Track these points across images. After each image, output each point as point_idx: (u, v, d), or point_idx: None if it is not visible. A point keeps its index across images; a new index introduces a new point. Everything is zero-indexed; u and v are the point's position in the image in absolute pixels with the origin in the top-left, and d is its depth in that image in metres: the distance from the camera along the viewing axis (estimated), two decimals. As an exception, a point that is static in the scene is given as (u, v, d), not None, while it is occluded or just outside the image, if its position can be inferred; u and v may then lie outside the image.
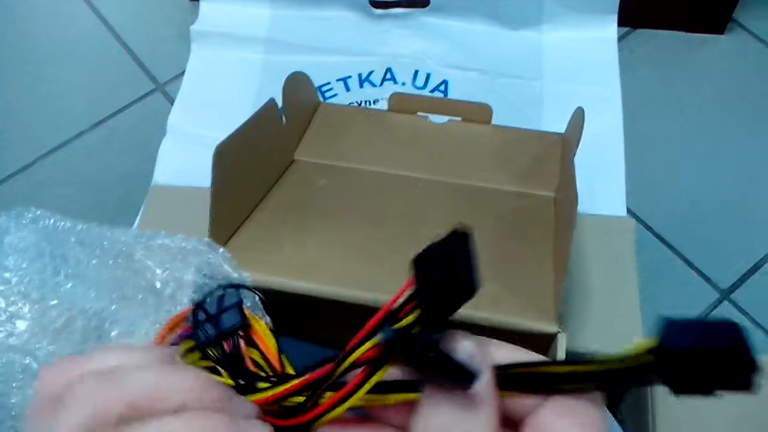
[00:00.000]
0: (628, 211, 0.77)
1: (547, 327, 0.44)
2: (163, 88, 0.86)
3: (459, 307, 0.19)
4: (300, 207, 0.55)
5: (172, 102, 0.83)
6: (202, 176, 0.76)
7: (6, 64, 0.89)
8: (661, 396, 0.47)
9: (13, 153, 0.81)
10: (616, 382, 0.18)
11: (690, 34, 0.91)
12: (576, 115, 0.59)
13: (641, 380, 0.18)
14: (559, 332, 0.44)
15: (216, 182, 0.47)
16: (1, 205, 0.79)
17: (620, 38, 0.87)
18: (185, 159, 0.78)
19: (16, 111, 0.85)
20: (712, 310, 0.73)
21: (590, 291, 0.51)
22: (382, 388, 0.20)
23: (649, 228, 0.79)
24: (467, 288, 0.19)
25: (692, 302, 0.74)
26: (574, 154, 0.51)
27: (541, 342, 0.45)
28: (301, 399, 0.21)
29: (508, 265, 0.49)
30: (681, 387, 0.17)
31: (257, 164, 0.54)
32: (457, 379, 0.18)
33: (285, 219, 0.53)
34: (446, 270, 0.18)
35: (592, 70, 0.85)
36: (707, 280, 0.75)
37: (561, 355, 0.43)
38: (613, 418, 0.50)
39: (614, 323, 0.49)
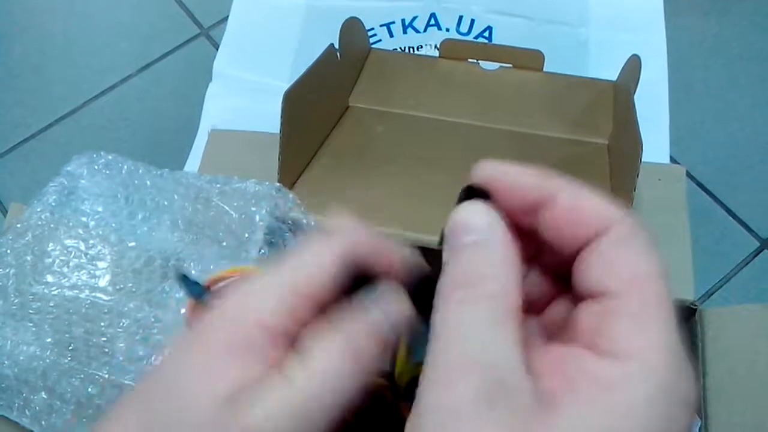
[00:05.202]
0: (671, 159, 0.77)
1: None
2: (208, 33, 0.86)
3: None
4: (359, 152, 0.56)
5: (216, 47, 0.83)
6: (251, 121, 0.77)
7: (51, 8, 0.89)
8: (712, 359, 0.48)
9: (61, 97, 0.82)
10: None
11: (738, -20, 0.89)
12: (632, 63, 0.59)
13: None
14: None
15: (285, 127, 0.48)
16: (54, 149, 0.81)
17: (666, -16, 0.86)
18: (233, 104, 0.78)
19: (63, 55, 0.85)
20: (752, 259, 0.74)
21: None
22: None
23: (690, 176, 0.79)
24: None
25: (732, 250, 0.75)
26: (633, 102, 0.51)
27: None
28: None
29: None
30: None
31: (319, 110, 0.55)
32: None
33: (345, 164, 0.55)
34: None
35: (637, 17, 0.83)
36: (748, 228, 0.76)
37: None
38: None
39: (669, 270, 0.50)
